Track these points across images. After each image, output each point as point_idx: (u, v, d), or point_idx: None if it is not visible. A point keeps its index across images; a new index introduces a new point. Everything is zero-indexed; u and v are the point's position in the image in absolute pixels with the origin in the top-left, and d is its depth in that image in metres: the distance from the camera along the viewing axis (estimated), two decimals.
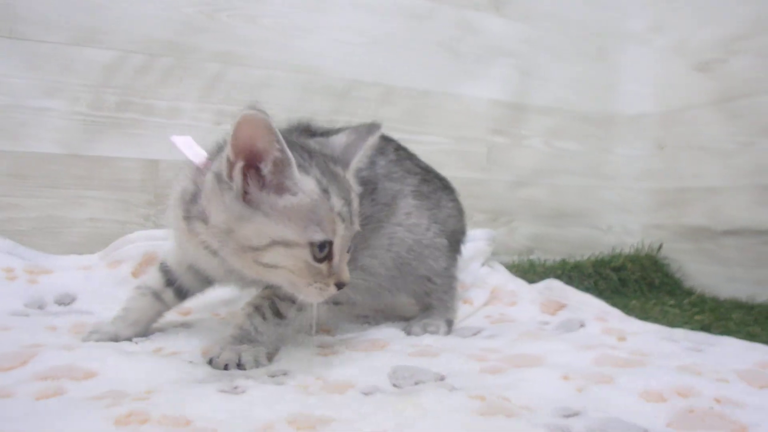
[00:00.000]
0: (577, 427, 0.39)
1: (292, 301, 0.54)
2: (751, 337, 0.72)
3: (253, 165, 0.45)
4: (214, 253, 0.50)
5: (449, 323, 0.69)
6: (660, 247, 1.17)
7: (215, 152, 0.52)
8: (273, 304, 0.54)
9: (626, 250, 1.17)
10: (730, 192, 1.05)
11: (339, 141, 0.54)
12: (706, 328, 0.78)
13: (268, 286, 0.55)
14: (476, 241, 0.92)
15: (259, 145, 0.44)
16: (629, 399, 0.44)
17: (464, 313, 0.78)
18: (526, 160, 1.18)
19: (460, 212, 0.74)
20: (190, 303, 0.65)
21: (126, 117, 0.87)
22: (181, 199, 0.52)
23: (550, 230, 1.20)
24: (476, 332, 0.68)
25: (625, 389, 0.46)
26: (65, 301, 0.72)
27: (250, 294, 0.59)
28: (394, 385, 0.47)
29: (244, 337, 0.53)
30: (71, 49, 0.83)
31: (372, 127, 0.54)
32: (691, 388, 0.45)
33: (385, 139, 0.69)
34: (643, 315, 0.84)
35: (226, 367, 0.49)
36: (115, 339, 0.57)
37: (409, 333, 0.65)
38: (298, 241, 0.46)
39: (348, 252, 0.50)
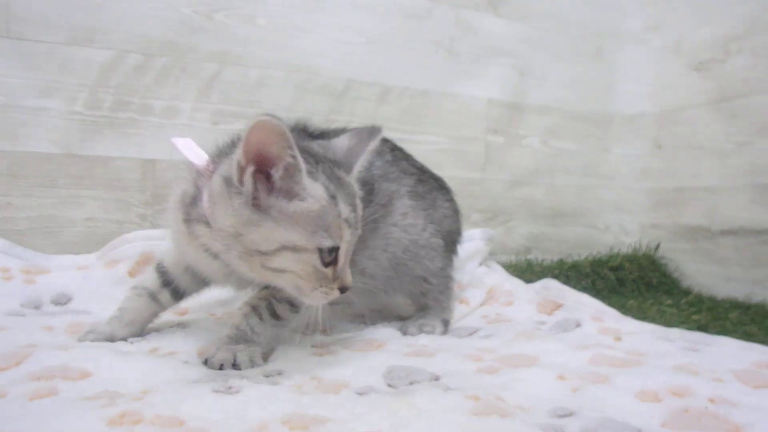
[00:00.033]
0: (572, 427, 0.39)
1: (289, 303, 0.54)
2: (748, 336, 0.72)
3: (263, 170, 0.45)
4: (215, 255, 0.50)
5: (445, 323, 0.69)
6: (657, 246, 1.17)
7: (215, 155, 0.52)
8: (270, 305, 0.54)
9: (624, 250, 1.17)
10: (727, 192, 1.05)
11: (341, 144, 0.54)
12: (703, 327, 0.78)
13: (266, 287, 0.55)
14: (473, 241, 0.92)
15: (272, 151, 0.44)
16: (624, 399, 0.44)
17: (461, 313, 0.78)
18: (524, 160, 1.18)
19: (456, 212, 0.74)
20: (187, 303, 0.65)
21: (123, 117, 0.87)
22: (181, 201, 0.52)
23: (548, 230, 1.20)
24: (472, 332, 0.68)
25: (620, 389, 0.46)
26: (61, 301, 0.72)
27: (247, 295, 0.59)
28: (389, 385, 0.47)
29: (240, 337, 0.53)
30: (68, 49, 0.83)
31: (373, 131, 0.55)
32: (687, 388, 0.45)
33: (381, 140, 0.69)
34: (641, 315, 0.84)
35: (221, 367, 0.49)
36: (111, 339, 0.57)
37: (405, 333, 0.65)
38: (307, 246, 0.46)
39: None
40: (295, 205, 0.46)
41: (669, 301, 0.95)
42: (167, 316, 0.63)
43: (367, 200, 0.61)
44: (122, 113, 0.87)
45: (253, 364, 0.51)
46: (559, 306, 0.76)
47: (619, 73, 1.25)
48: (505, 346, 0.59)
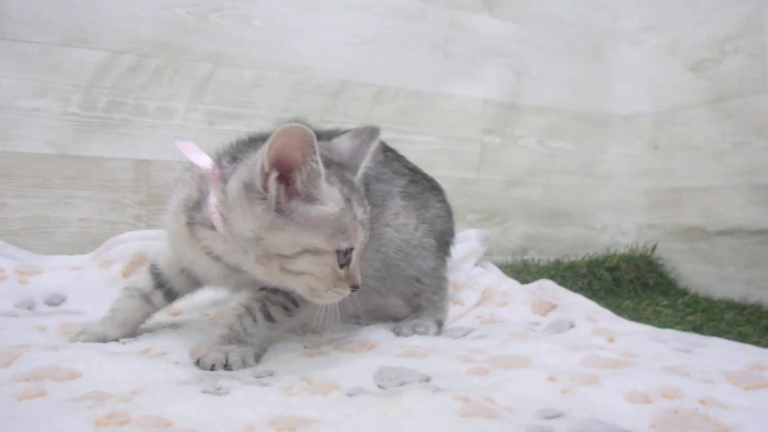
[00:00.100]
0: (559, 428, 0.38)
1: (282, 306, 0.55)
2: (743, 337, 0.72)
3: (284, 175, 0.46)
4: (217, 258, 0.51)
5: (439, 324, 0.69)
6: (654, 247, 1.17)
7: (217, 158, 0.52)
8: (264, 307, 0.55)
9: (621, 250, 1.17)
10: (723, 192, 1.05)
11: (343, 146, 0.54)
12: (697, 328, 0.78)
13: (262, 289, 0.55)
14: (469, 241, 0.92)
15: (297, 157, 0.45)
16: (614, 400, 0.44)
17: (455, 314, 0.77)
18: (520, 160, 1.18)
19: (448, 213, 0.74)
20: (180, 304, 0.65)
21: (117, 117, 0.87)
22: (184, 205, 0.52)
23: (544, 230, 1.20)
24: (466, 333, 0.68)
25: (610, 390, 0.46)
26: (55, 301, 0.72)
27: (240, 296, 0.59)
28: (379, 386, 0.47)
29: (233, 338, 0.53)
30: (62, 50, 0.83)
31: (373, 132, 0.55)
32: (677, 390, 0.45)
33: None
34: (636, 315, 0.84)
35: (212, 368, 0.49)
36: (103, 340, 0.57)
37: (398, 334, 0.65)
38: (327, 248, 0.47)
39: None
40: (316, 209, 0.47)
41: (665, 302, 0.95)
42: (160, 316, 0.63)
43: None
44: (116, 114, 0.87)
45: (245, 364, 0.51)
46: (553, 307, 0.76)
47: (615, 73, 1.25)
48: (497, 347, 0.59)
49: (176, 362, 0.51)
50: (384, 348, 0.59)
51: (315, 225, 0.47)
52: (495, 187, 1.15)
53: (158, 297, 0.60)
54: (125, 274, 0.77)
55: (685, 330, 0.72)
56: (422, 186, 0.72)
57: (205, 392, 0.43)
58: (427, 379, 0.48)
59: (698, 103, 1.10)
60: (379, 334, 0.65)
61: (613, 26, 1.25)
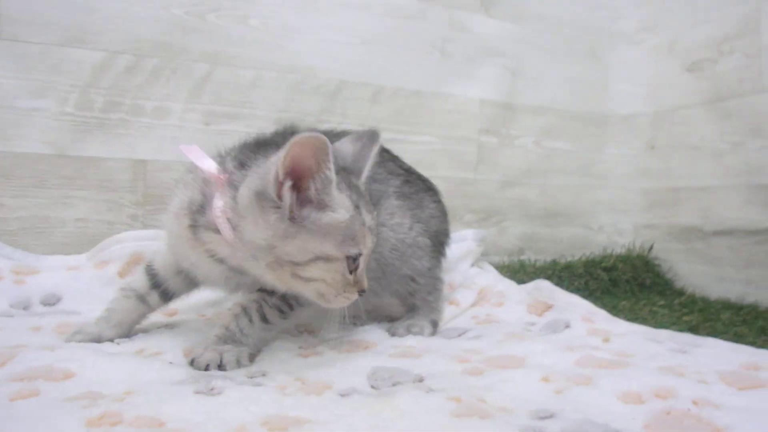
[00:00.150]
0: (552, 428, 0.38)
1: (278, 308, 0.55)
2: (738, 337, 0.72)
3: (297, 183, 0.46)
4: (220, 260, 0.51)
5: (434, 324, 0.69)
6: (651, 247, 1.16)
7: (220, 161, 0.52)
8: (261, 308, 0.55)
9: (618, 250, 1.17)
10: (721, 192, 1.05)
11: (346, 150, 0.54)
12: (693, 328, 0.78)
13: (259, 290, 0.55)
14: (465, 242, 0.92)
15: (311, 165, 0.46)
16: (607, 400, 0.44)
17: (451, 314, 0.77)
18: (517, 160, 1.18)
19: (443, 213, 0.75)
20: (176, 304, 0.65)
21: (114, 117, 0.87)
22: (188, 208, 0.52)
23: (542, 230, 1.20)
24: (461, 333, 0.68)
25: (604, 391, 0.45)
26: (51, 301, 0.72)
27: (236, 297, 0.59)
28: (372, 387, 0.47)
29: (228, 338, 0.53)
30: (60, 50, 0.83)
31: (373, 135, 0.55)
32: (671, 390, 0.45)
33: None
34: (632, 316, 0.84)
35: (207, 368, 0.50)
36: (98, 340, 0.57)
37: (393, 334, 0.65)
38: (338, 255, 0.48)
39: None
40: (328, 217, 0.47)
41: (661, 302, 0.95)
42: (156, 316, 0.63)
43: None
44: (113, 114, 0.87)
45: (239, 364, 0.51)
46: (549, 307, 0.76)
47: (613, 73, 1.25)
48: (492, 347, 0.59)
49: (170, 362, 0.51)
50: (378, 348, 0.59)
51: (326, 232, 0.47)
52: (492, 187, 1.15)
53: (154, 297, 0.60)
54: (121, 274, 0.77)
55: (681, 330, 0.72)
56: (417, 186, 0.72)
57: (198, 392, 0.43)
58: (421, 380, 0.48)
59: (696, 103, 1.10)
60: (373, 334, 0.65)
61: (611, 26, 1.25)
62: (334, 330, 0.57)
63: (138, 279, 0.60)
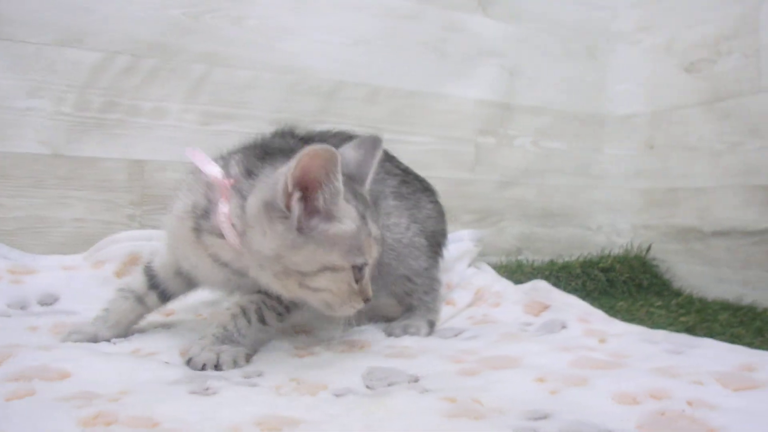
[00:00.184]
0: (546, 429, 0.38)
1: (276, 311, 0.56)
2: (735, 338, 0.72)
3: (305, 194, 0.47)
4: (223, 264, 0.52)
5: (431, 324, 0.69)
6: (649, 248, 1.16)
7: (224, 165, 0.52)
8: (259, 310, 0.55)
9: (616, 251, 1.17)
10: (719, 192, 1.05)
11: (349, 157, 0.54)
12: (690, 329, 0.78)
13: (258, 291, 0.55)
14: (462, 242, 0.92)
15: (320, 177, 0.46)
16: (601, 401, 0.44)
17: (447, 315, 0.77)
18: (515, 160, 1.18)
19: (440, 214, 0.75)
20: (173, 304, 0.65)
21: (111, 118, 0.87)
22: (191, 212, 0.53)
23: (539, 230, 1.20)
24: (458, 333, 0.68)
25: (598, 391, 0.45)
26: (48, 301, 0.72)
27: (234, 298, 0.59)
28: (368, 387, 0.47)
29: (226, 338, 0.53)
30: (57, 50, 0.83)
31: (376, 141, 0.55)
32: (665, 391, 0.45)
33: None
34: (629, 316, 0.84)
35: (203, 368, 0.50)
36: (95, 340, 0.57)
37: (389, 334, 0.65)
38: (344, 265, 0.49)
39: None
40: (335, 228, 0.48)
41: (659, 303, 0.95)
42: (152, 316, 0.63)
43: None
44: (111, 114, 0.87)
45: (236, 365, 0.51)
46: (546, 307, 0.76)
47: (610, 73, 1.25)
48: (488, 347, 0.59)
49: (166, 362, 0.51)
50: (374, 348, 0.59)
51: (333, 243, 0.48)
52: (489, 187, 1.15)
53: (152, 298, 0.60)
54: (119, 274, 0.77)
55: (678, 331, 0.72)
56: (414, 187, 0.72)
57: (193, 393, 0.43)
58: (416, 380, 0.48)
59: (694, 103, 1.10)
60: (370, 334, 0.65)
61: (609, 26, 1.25)
62: (339, 332, 0.57)
63: (136, 280, 0.61)
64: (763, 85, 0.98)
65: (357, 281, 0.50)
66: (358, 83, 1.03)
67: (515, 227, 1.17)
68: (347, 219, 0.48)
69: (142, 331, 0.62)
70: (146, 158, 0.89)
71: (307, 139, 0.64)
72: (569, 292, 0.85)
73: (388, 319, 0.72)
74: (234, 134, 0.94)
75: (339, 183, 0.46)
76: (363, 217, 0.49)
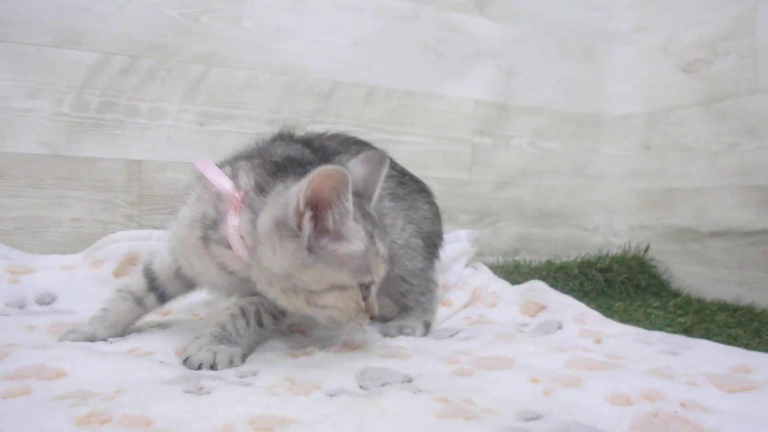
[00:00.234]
0: (537, 430, 0.38)
1: (272, 315, 0.56)
2: (732, 339, 0.72)
3: (315, 213, 0.48)
4: (230, 272, 0.53)
5: (427, 325, 0.69)
6: (647, 248, 1.16)
7: (232, 174, 0.53)
8: (258, 313, 0.56)
9: (613, 251, 1.17)
10: (716, 193, 1.05)
11: (356, 174, 0.55)
12: (687, 330, 0.78)
13: (256, 293, 0.56)
14: (459, 242, 0.92)
15: (331, 197, 0.47)
16: (595, 402, 0.44)
17: (444, 315, 0.77)
18: (512, 161, 1.18)
19: (436, 215, 0.75)
20: (171, 305, 0.66)
21: (109, 118, 0.87)
22: (200, 222, 0.53)
23: (536, 231, 1.20)
24: (453, 334, 0.68)
25: (592, 392, 0.45)
26: (46, 300, 0.72)
27: (232, 298, 0.59)
28: (361, 387, 0.47)
29: (224, 337, 0.53)
30: (55, 51, 0.83)
31: (382, 158, 0.56)
32: (659, 392, 0.45)
33: (359, 143, 0.70)
34: (626, 317, 0.84)
35: (199, 367, 0.50)
36: (92, 339, 0.57)
37: (384, 334, 0.66)
38: (352, 284, 0.50)
39: None
40: (344, 248, 0.48)
41: (656, 303, 0.94)
42: (149, 316, 0.64)
43: None
44: (108, 115, 0.87)
45: (231, 364, 0.51)
46: (542, 308, 0.76)
47: (607, 73, 1.25)
48: (483, 348, 0.59)
49: (162, 362, 0.51)
50: (369, 349, 0.59)
51: (342, 262, 0.48)
52: (486, 188, 1.15)
53: (151, 299, 0.61)
54: (116, 274, 0.77)
55: (675, 332, 0.72)
56: (410, 188, 0.73)
57: (187, 392, 0.43)
58: (410, 380, 0.48)
59: (691, 103, 1.10)
60: (365, 334, 0.65)
61: (606, 27, 1.25)
62: (338, 338, 0.58)
63: (136, 281, 0.61)
64: (760, 86, 0.98)
65: (364, 299, 0.51)
66: (354, 83, 1.03)
67: (512, 228, 1.17)
68: (356, 239, 0.49)
69: (138, 330, 0.62)
70: (144, 158, 0.89)
71: (307, 142, 0.64)
72: (567, 292, 0.85)
73: (384, 320, 0.72)
74: (231, 134, 0.95)
75: (349, 204, 0.47)
76: (371, 237, 0.50)
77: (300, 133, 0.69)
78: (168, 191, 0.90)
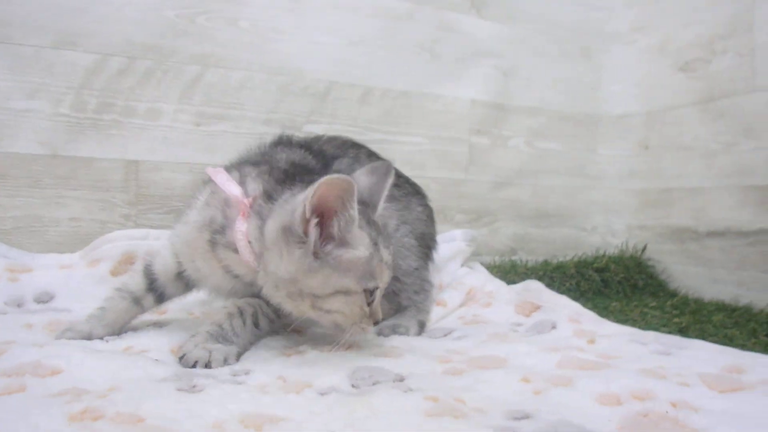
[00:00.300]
0: (526, 429, 0.39)
1: (269, 318, 0.57)
2: (728, 339, 0.72)
3: (321, 221, 0.49)
4: (236, 276, 0.54)
5: (421, 325, 0.69)
6: (645, 248, 1.16)
7: (240, 180, 0.55)
8: (255, 314, 0.56)
9: (611, 251, 1.17)
10: (713, 193, 1.05)
11: (362, 183, 0.55)
12: (683, 330, 0.77)
13: (254, 295, 0.56)
14: (455, 242, 0.92)
15: (337, 205, 0.48)
16: (585, 402, 0.44)
17: (439, 315, 0.78)
18: (509, 161, 1.18)
19: (429, 217, 0.75)
20: (168, 305, 0.66)
21: (107, 118, 0.88)
22: (208, 227, 0.55)
23: (534, 231, 1.20)
24: (447, 333, 0.68)
25: (582, 392, 0.46)
26: (44, 299, 0.73)
27: (229, 299, 0.60)
28: (353, 386, 0.47)
29: (220, 335, 0.54)
30: (54, 52, 0.84)
31: (388, 168, 0.57)
32: (650, 392, 0.45)
33: (357, 146, 0.71)
34: (623, 317, 0.84)
35: (194, 365, 0.50)
36: (89, 337, 0.58)
37: (378, 334, 0.66)
38: (357, 289, 0.51)
39: None
40: (349, 254, 0.50)
41: (653, 303, 0.94)
42: (146, 315, 0.64)
43: None
44: (106, 115, 0.88)
45: (226, 363, 0.51)
46: (537, 308, 0.76)
47: (605, 73, 1.25)
48: (476, 347, 0.59)
49: (156, 360, 0.52)
50: (362, 348, 0.59)
51: (347, 268, 0.50)
52: (483, 187, 1.15)
53: (149, 300, 0.61)
54: (114, 273, 0.78)
55: (671, 332, 0.72)
56: (405, 190, 0.73)
57: (180, 390, 0.43)
58: (401, 379, 0.48)
59: (688, 103, 1.09)
60: (366, 336, 0.65)
61: (603, 27, 1.25)
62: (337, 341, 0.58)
63: (135, 281, 0.61)
64: (758, 85, 0.98)
65: (368, 304, 0.52)
66: (350, 84, 1.03)
67: (509, 228, 1.17)
68: (361, 246, 0.50)
69: (134, 329, 0.62)
70: (141, 158, 0.90)
71: (306, 147, 0.65)
72: (563, 292, 0.85)
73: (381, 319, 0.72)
74: (227, 134, 0.95)
75: (354, 211, 0.48)
76: (375, 244, 0.51)
77: (298, 134, 0.70)
78: (165, 191, 0.91)
